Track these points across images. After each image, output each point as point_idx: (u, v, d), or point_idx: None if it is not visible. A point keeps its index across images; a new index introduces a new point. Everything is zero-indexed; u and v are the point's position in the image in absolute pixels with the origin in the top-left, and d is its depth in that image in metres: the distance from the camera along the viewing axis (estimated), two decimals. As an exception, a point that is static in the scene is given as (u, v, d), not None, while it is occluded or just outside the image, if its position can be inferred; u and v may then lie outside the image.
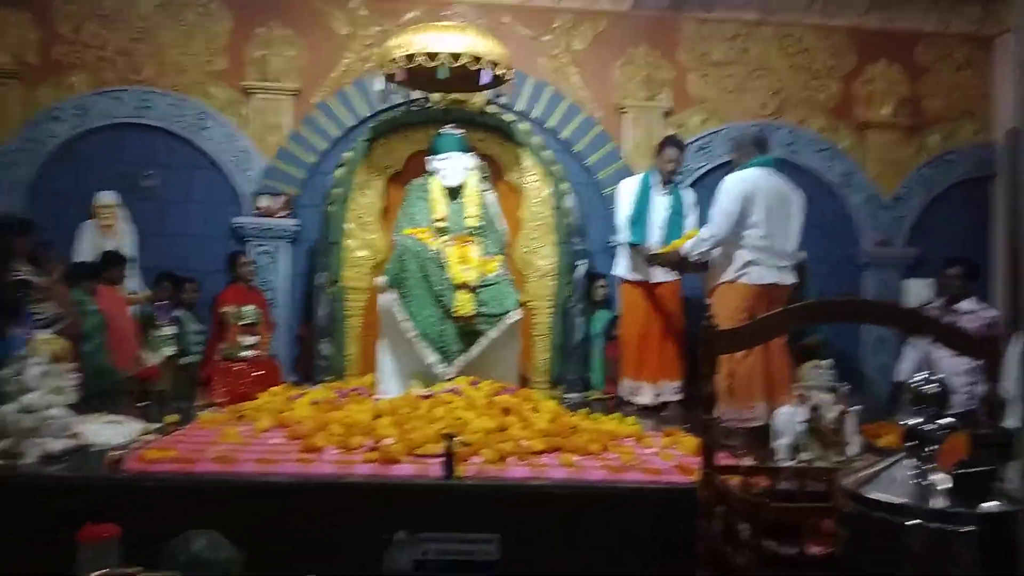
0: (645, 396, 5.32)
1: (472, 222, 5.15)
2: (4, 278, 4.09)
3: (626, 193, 5.44)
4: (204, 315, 5.92)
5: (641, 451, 3.78)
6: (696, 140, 6.65)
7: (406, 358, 4.83)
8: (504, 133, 5.96)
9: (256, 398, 4.66)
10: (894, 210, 6.85)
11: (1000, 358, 2.58)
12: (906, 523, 1.74)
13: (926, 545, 1.73)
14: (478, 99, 5.97)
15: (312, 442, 3.60)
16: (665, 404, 5.31)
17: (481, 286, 4.83)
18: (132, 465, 3.24)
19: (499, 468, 3.37)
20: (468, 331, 4.79)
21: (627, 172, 6.18)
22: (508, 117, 6.04)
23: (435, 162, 5.29)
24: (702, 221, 4.93)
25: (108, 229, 5.95)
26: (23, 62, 6.29)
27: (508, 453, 3.51)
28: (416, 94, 5.98)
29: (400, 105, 6.02)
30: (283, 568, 2.66)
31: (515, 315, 4.87)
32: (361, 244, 5.79)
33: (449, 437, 3.31)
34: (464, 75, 5.28)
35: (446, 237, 5.05)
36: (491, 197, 5.47)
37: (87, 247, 5.87)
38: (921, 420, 1.92)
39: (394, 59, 5.22)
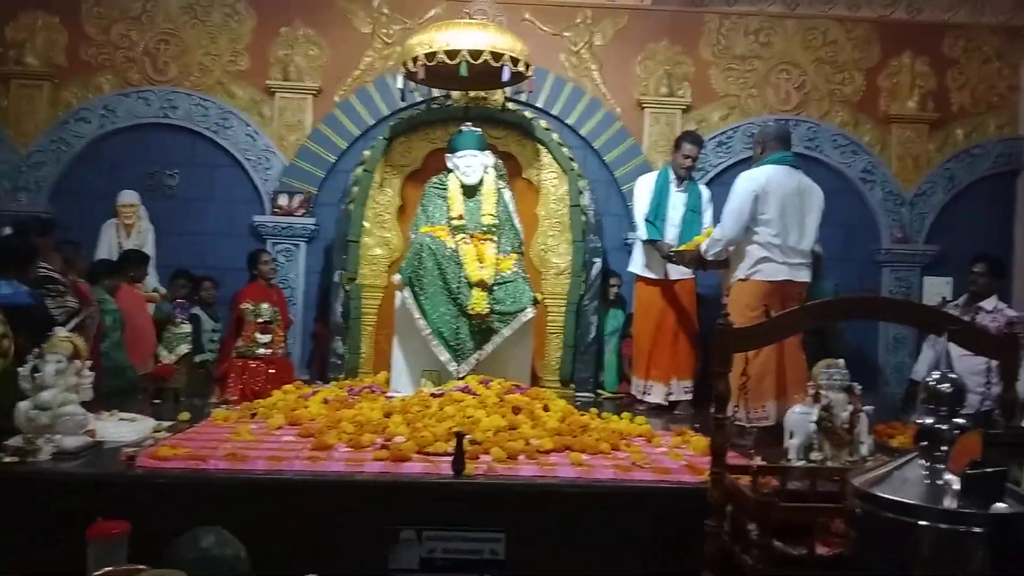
0: (657, 395, 5.28)
1: (488, 220, 5.13)
2: (28, 276, 4.14)
3: (643, 189, 5.39)
4: (223, 313, 5.98)
5: (651, 450, 3.75)
6: (716, 136, 6.59)
7: (420, 355, 4.82)
8: (523, 130, 5.93)
9: (270, 395, 4.67)
10: (916, 206, 6.73)
11: (1018, 358, 2.50)
12: (917, 523, 1.70)
13: (936, 546, 1.71)
14: (498, 96, 5.96)
15: (323, 440, 3.60)
16: (677, 403, 5.26)
17: (496, 284, 4.82)
18: (145, 462, 3.25)
19: (508, 467, 3.35)
20: (482, 329, 4.79)
21: (647, 168, 6.14)
22: (528, 114, 6.02)
23: (455, 159, 5.28)
24: (716, 218, 4.88)
25: (129, 228, 6.06)
26: (52, 64, 6.43)
27: (518, 452, 3.49)
28: (437, 92, 5.99)
29: (421, 103, 6.03)
30: (292, 565, 2.65)
31: (529, 313, 4.86)
32: (378, 242, 5.79)
33: (459, 435, 3.29)
34: (485, 72, 5.27)
35: (462, 235, 5.04)
36: (507, 195, 5.45)
37: (108, 245, 6.00)
38: (934, 420, 1.88)
39: (415, 57, 5.23)
